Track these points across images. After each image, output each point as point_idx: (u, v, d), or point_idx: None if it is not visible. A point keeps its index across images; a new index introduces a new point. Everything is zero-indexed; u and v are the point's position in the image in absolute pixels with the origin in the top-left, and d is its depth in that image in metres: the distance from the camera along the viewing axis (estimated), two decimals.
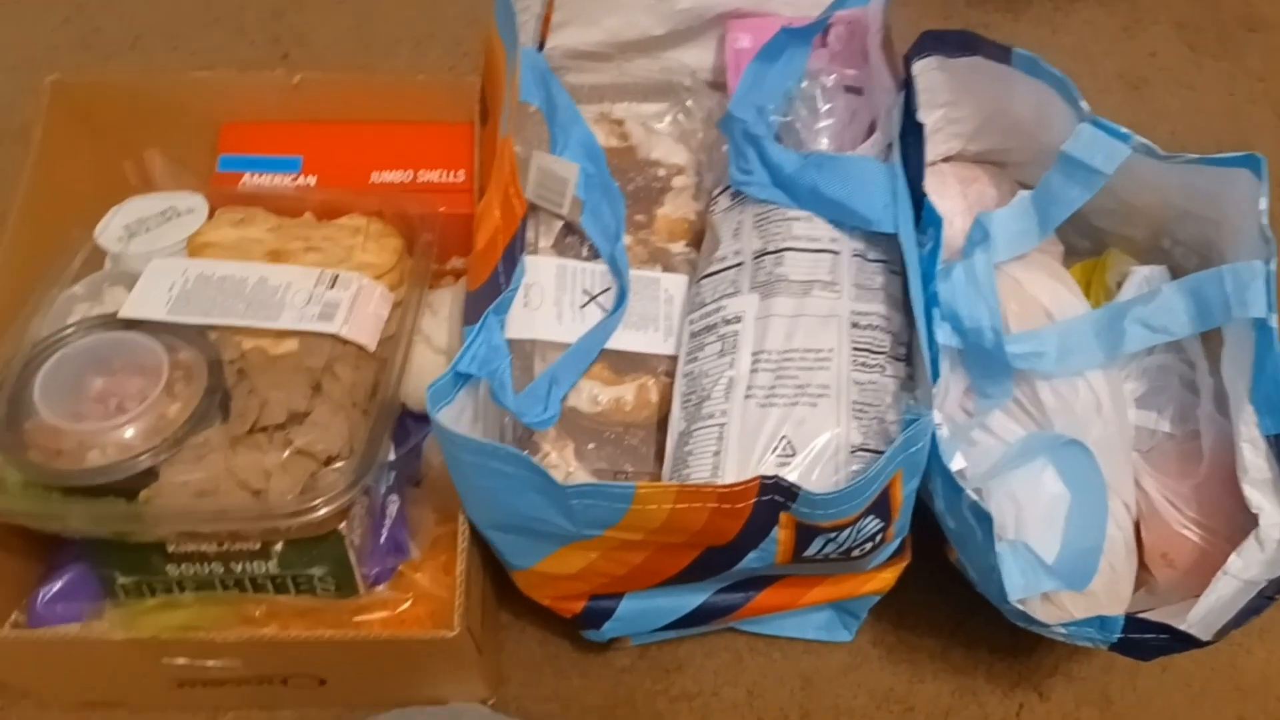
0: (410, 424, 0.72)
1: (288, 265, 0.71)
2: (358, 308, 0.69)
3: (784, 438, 0.60)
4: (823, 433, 0.60)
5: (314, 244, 0.74)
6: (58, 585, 0.73)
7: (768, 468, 0.60)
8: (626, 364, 0.68)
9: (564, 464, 0.66)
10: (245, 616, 0.67)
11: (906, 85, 0.69)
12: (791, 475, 0.59)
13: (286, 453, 0.62)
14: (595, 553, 0.61)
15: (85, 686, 0.74)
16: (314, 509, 0.60)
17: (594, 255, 0.71)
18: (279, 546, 0.64)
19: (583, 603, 0.68)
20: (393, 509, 0.70)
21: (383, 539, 0.70)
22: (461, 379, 0.60)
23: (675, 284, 0.71)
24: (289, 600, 0.68)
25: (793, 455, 0.60)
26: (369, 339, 0.68)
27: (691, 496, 0.55)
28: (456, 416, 0.59)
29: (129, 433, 0.64)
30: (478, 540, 0.67)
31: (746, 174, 0.68)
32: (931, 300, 0.63)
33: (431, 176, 0.84)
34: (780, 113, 0.70)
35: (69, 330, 0.68)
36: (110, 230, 0.75)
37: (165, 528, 0.62)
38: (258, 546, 0.64)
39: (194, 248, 0.74)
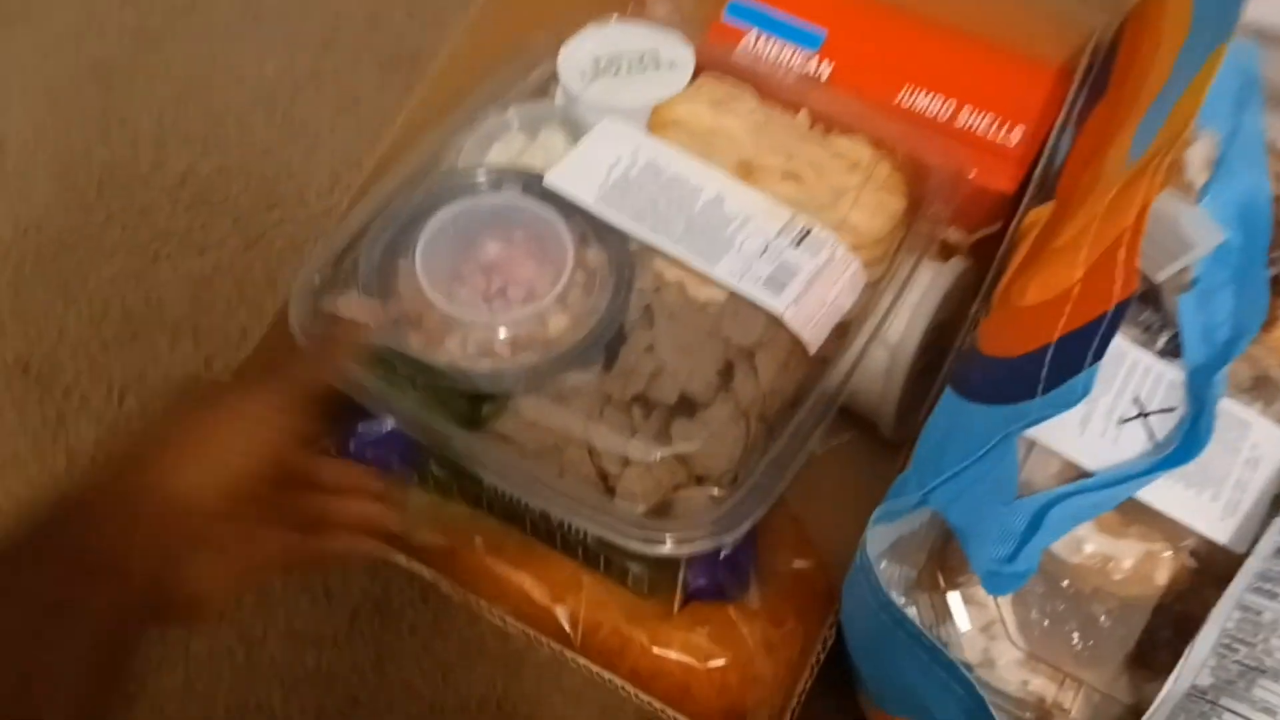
0: None
1: (755, 190, 0.54)
2: (817, 286, 0.51)
3: None
4: None
5: (795, 168, 0.56)
6: (379, 431, 0.63)
7: None
8: (1142, 515, 0.45)
9: (985, 608, 0.46)
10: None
11: None
12: None
13: (660, 452, 0.47)
14: None
15: None
16: (658, 541, 0.45)
17: (1172, 351, 0.47)
18: None
19: None
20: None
21: (723, 552, 0.54)
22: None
23: (1273, 442, 0.47)
24: (591, 578, 0.54)
25: None
26: (814, 335, 0.50)
27: None
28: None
29: (500, 334, 0.51)
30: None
31: None
32: None
33: (977, 122, 0.61)
34: None
35: (481, 177, 0.55)
36: (576, 57, 0.61)
37: (480, 467, 0.49)
38: None
39: (659, 120, 0.58)
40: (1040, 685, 0.46)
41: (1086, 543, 0.45)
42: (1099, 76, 0.55)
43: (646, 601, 0.52)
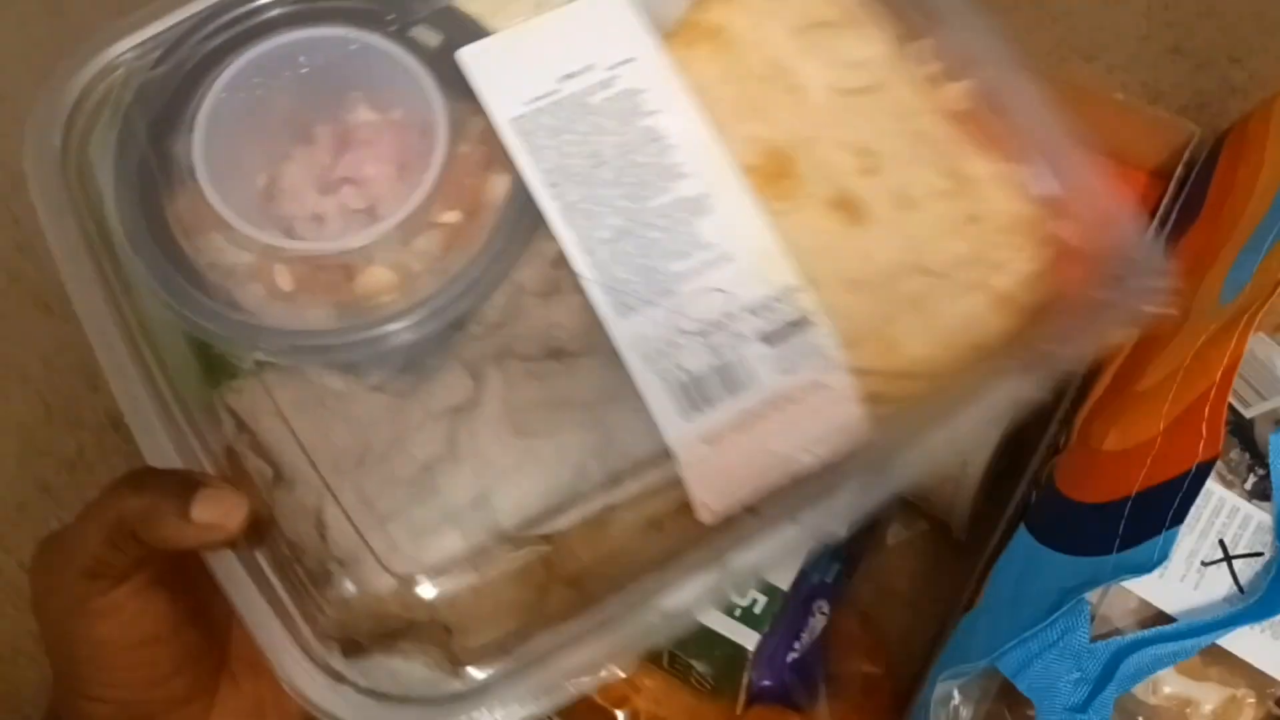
0: None
1: (762, 216, 0.33)
2: (762, 428, 0.31)
3: None
4: None
5: (867, 193, 0.34)
6: None
7: None
8: (1223, 657, 0.42)
9: None
10: None
11: None
12: None
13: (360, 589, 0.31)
14: None
15: None
16: None
17: (1261, 492, 0.42)
18: None
19: None
20: (818, 621, 0.48)
21: (791, 653, 0.47)
22: None
23: None
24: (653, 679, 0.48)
25: None
26: (717, 500, 0.32)
27: None
28: None
29: (284, 260, 0.33)
30: None
31: None
32: None
33: None
34: None
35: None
36: None
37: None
38: None
39: (697, 22, 0.36)
40: None
41: (1165, 684, 0.42)
42: (1194, 191, 0.50)
43: (709, 704, 0.46)
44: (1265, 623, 0.40)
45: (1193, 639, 0.40)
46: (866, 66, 0.36)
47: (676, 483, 0.31)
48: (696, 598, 0.31)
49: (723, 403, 0.31)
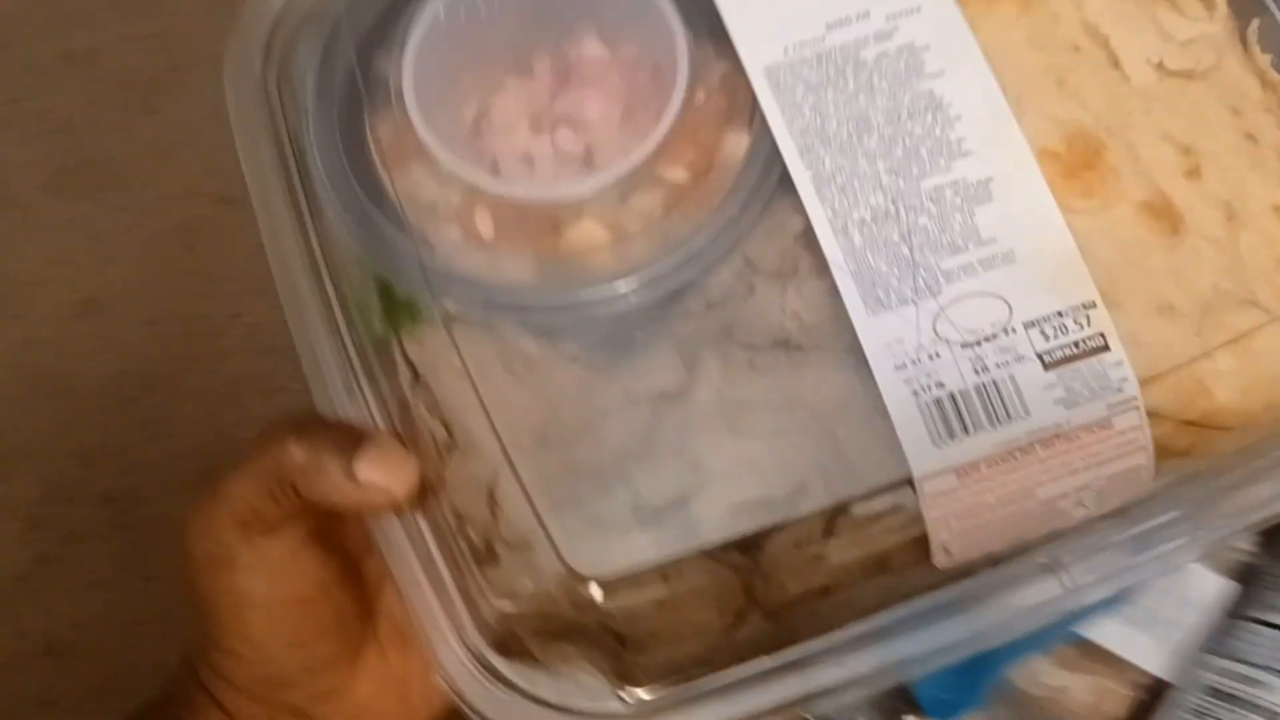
0: None
1: (1057, 205, 0.27)
2: (1033, 466, 0.26)
3: None
4: None
5: (1205, 153, 0.28)
6: None
7: None
8: (1096, 651, 0.43)
9: None
10: None
11: None
12: None
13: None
14: None
15: None
16: None
17: None
18: None
19: None
20: None
21: None
22: None
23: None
24: None
25: None
26: (959, 542, 0.26)
27: None
28: None
29: (486, 201, 0.29)
30: None
31: None
32: None
33: None
34: None
35: None
36: None
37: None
38: None
39: None
40: None
41: (1042, 675, 0.44)
42: None
43: None
44: (1121, 613, 0.41)
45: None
46: (1200, 45, 0.29)
47: (915, 519, 0.26)
48: (916, 655, 0.26)
49: (984, 431, 0.25)
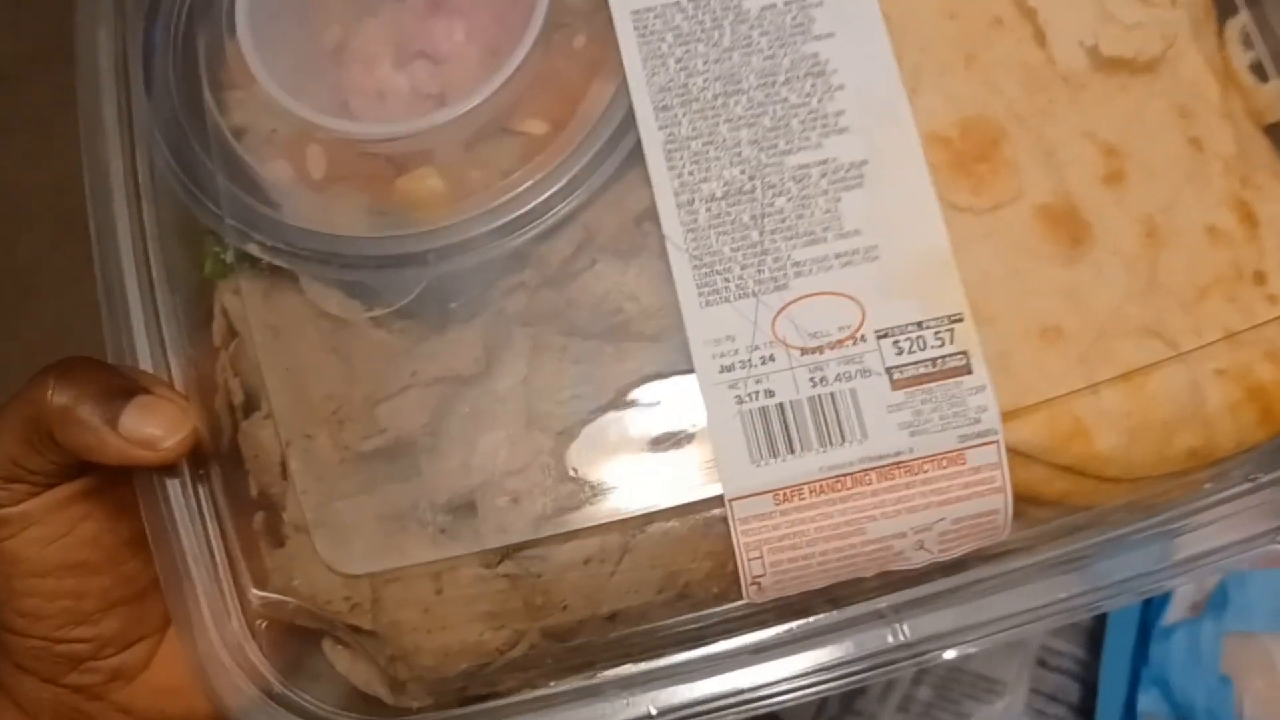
0: None
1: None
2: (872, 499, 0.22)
3: None
4: None
5: (1132, 156, 0.24)
6: None
7: None
8: None
9: None
10: None
11: None
12: None
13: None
14: None
15: None
16: None
17: None
18: None
19: None
20: None
21: None
22: None
23: None
24: None
25: None
26: (769, 575, 0.22)
27: None
28: None
29: (319, 136, 0.26)
30: None
31: None
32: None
33: None
34: None
35: None
36: None
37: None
38: None
39: None
40: None
41: None
42: None
43: None
44: None
45: None
46: (1146, 31, 0.25)
47: (724, 544, 0.22)
48: (716, 698, 0.23)
49: (812, 452, 0.22)
